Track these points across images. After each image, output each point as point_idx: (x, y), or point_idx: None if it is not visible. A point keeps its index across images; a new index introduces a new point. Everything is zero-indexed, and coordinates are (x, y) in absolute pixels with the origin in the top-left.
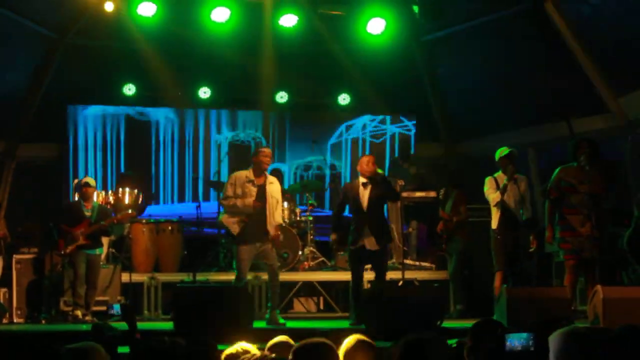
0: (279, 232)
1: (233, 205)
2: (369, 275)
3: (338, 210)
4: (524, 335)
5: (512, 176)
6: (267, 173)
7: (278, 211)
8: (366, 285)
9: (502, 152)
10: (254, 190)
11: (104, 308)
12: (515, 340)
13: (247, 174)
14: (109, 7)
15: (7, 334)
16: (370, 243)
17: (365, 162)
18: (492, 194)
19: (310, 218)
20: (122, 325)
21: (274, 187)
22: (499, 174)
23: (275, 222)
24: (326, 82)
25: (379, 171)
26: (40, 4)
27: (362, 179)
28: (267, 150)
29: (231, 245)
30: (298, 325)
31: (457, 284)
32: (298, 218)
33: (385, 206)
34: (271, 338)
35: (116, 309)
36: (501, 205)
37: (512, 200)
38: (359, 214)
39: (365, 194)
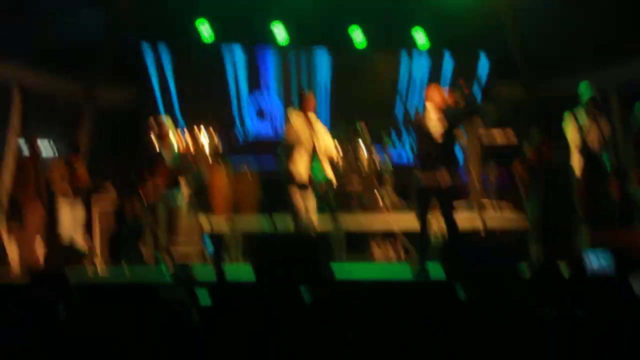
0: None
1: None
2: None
3: (422, 146)
4: (606, 255)
5: (594, 117)
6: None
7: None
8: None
9: (585, 90)
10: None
11: (184, 249)
12: (595, 258)
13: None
14: None
15: (97, 286)
16: (441, 178)
17: (437, 93)
18: (573, 134)
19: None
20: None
21: (319, 125)
22: (582, 117)
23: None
24: (402, 19)
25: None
26: None
27: (432, 109)
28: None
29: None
30: (379, 270)
31: (539, 226)
32: (376, 163)
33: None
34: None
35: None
36: (585, 152)
37: (596, 142)
38: (429, 146)
39: (437, 125)
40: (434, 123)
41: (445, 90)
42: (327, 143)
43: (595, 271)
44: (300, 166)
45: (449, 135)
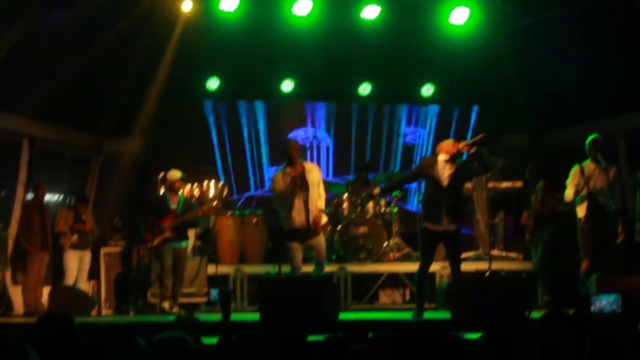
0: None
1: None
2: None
3: (401, 180)
4: (613, 296)
5: (596, 158)
6: (303, 162)
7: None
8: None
9: (589, 139)
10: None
11: (191, 299)
12: (604, 301)
13: (281, 172)
14: (186, 6)
15: (97, 326)
16: (446, 223)
17: (448, 143)
18: (569, 189)
19: (395, 210)
20: (208, 318)
21: (312, 174)
22: (587, 163)
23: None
24: (409, 74)
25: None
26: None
27: (443, 156)
28: (295, 142)
29: None
30: (383, 317)
31: (544, 274)
32: (383, 210)
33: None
34: (354, 328)
35: (213, 294)
36: (587, 195)
37: (600, 188)
38: (436, 192)
39: (445, 172)
40: (444, 172)
41: (457, 143)
42: (315, 195)
43: (604, 314)
44: (295, 214)
45: (457, 183)
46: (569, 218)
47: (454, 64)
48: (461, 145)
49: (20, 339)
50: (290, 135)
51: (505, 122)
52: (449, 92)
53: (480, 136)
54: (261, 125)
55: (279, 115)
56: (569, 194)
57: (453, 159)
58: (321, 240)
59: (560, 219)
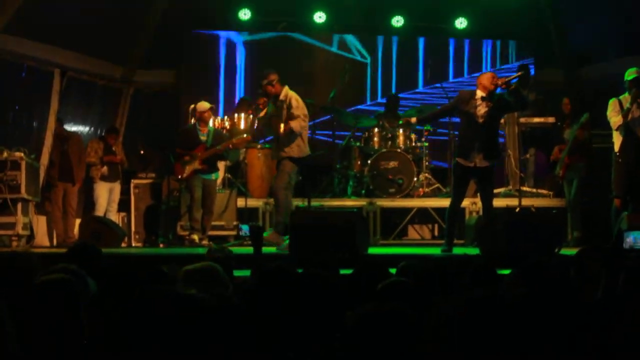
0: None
1: None
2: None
3: (440, 112)
4: None
5: (636, 99)
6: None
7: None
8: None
9: (629, 74)
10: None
11: (220, 232)
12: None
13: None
14: None
15: (127, 257)
16: (479, 159)
17: (487, 77)
18: (614, 117)
19: (426, 144)
20: (238, 250)
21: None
22: (625, 96)
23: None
24: (443, 6)
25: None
26: None
27: (480, 93)
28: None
29: (346, 171)
30: (412, 252)
31: (577, 210)
32: (413, 144)
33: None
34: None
35: (245, 229)
36: (624, 128)
37: (637, 124)
38: (471, 128)
39: (482, 108)
40: (480, 109)
41: (495, 78)
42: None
43: (635, 250)
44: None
45: (493, 120)
46: (604, 154)
47: None
48: (500, 81)
49: (78, 268)
50: None
51: (538, 56)
52: (483, 25)
53: (520, 73)
54: None
55: None
56: (616, 120)
57: (490, 96)
58: None
59: (595, 154)
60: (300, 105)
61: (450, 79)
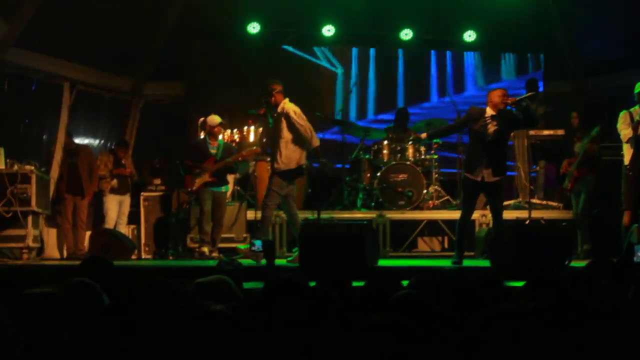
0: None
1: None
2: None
3: (450, 127)
4: None
5: None
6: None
7: None
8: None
9: (639, 86)
10: None
11: (229, 245)
12: None
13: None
14: None
15: (137, 269)
16: (487, 174)
17: (498, 94)
18: (624, 130)
19: (436, 156)
20: (248, 262)
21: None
22: (635, 109)
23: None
24: (452, 19)
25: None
26: None
27: (490, 111)
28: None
29: (355, 183)
30: (422, 264)
31: (585, 223)
32: (423, 156)
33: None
34: (393, 275)
35: (258, 244)
36: (634, 141)
37: None
38: (479, 145)
39: (491, 127)
40: (490, 127)
41: (506, 97)
42: None
43: None
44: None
45: (501, 136)
46: (614, 166)
47: (496, 9)
48: (510, 100)
49: (91, 281)
50: None
51: (547, 68)
52: (492, 39)
53: (529, 94)
54: None
55: None
56: (626, 133)
57: (500, 114)
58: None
59: (605, 167)
60: (298, 113)
61: (461, 92)
